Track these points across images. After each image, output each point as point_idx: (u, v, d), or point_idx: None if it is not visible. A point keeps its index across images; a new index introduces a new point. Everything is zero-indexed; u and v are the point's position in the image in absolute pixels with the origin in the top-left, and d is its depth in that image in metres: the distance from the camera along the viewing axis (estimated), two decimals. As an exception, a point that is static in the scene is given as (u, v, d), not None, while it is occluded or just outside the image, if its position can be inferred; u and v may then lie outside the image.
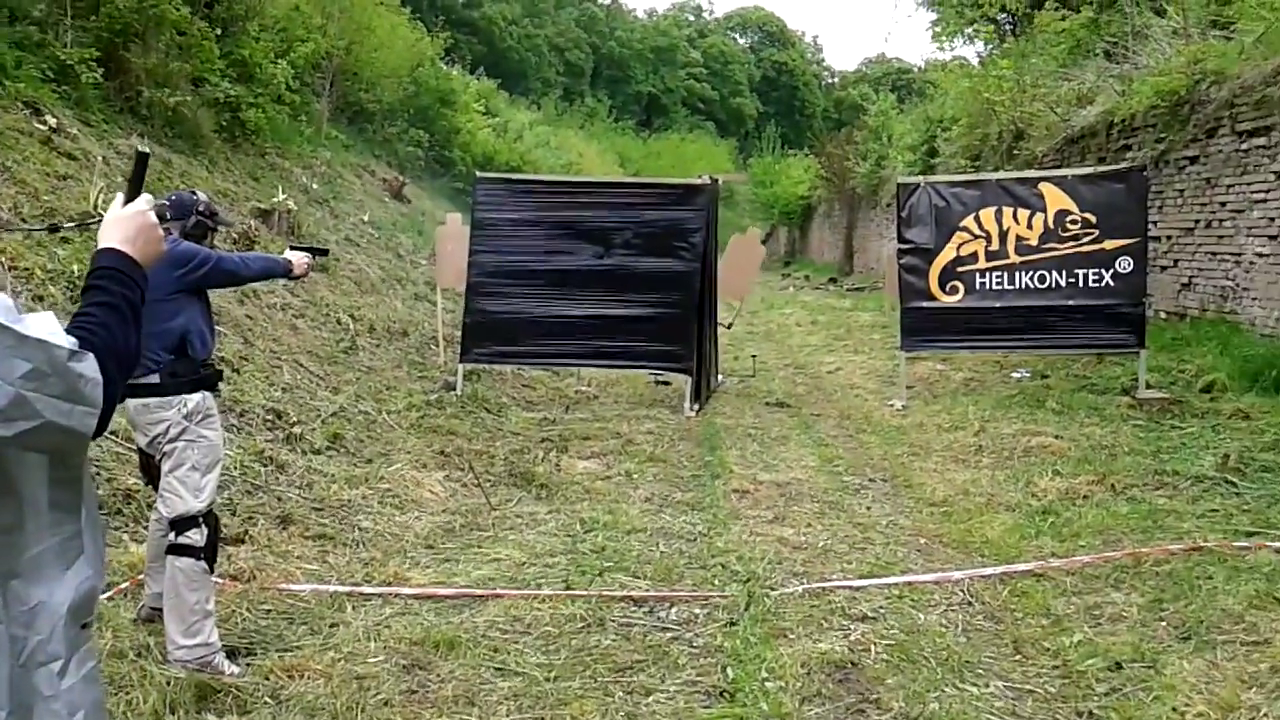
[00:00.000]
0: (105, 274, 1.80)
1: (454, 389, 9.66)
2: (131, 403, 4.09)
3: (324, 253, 5.17)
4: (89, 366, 1.58)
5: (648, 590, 4.98)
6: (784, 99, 73.22)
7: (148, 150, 2.10)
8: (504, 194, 10.61)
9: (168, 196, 4.43)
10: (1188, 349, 10.27)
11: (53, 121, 9.75)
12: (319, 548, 5.50)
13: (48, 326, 1.54)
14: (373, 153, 22.93)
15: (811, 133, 51.84)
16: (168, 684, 3.62)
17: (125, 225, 1.89)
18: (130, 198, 1.95)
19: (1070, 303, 9.69)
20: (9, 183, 8.11)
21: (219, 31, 13.66)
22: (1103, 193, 9.72)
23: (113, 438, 5.75)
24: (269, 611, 4.59)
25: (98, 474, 5.38)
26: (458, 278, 10.67)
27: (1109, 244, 9.57)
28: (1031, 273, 9.83)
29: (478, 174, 11.45)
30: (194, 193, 4.46)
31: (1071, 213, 9.67)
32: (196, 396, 4.14)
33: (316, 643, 4.27)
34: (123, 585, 4.57)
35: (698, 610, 4.74)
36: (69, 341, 1.56)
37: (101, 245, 1.86)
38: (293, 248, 4.79)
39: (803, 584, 5.04)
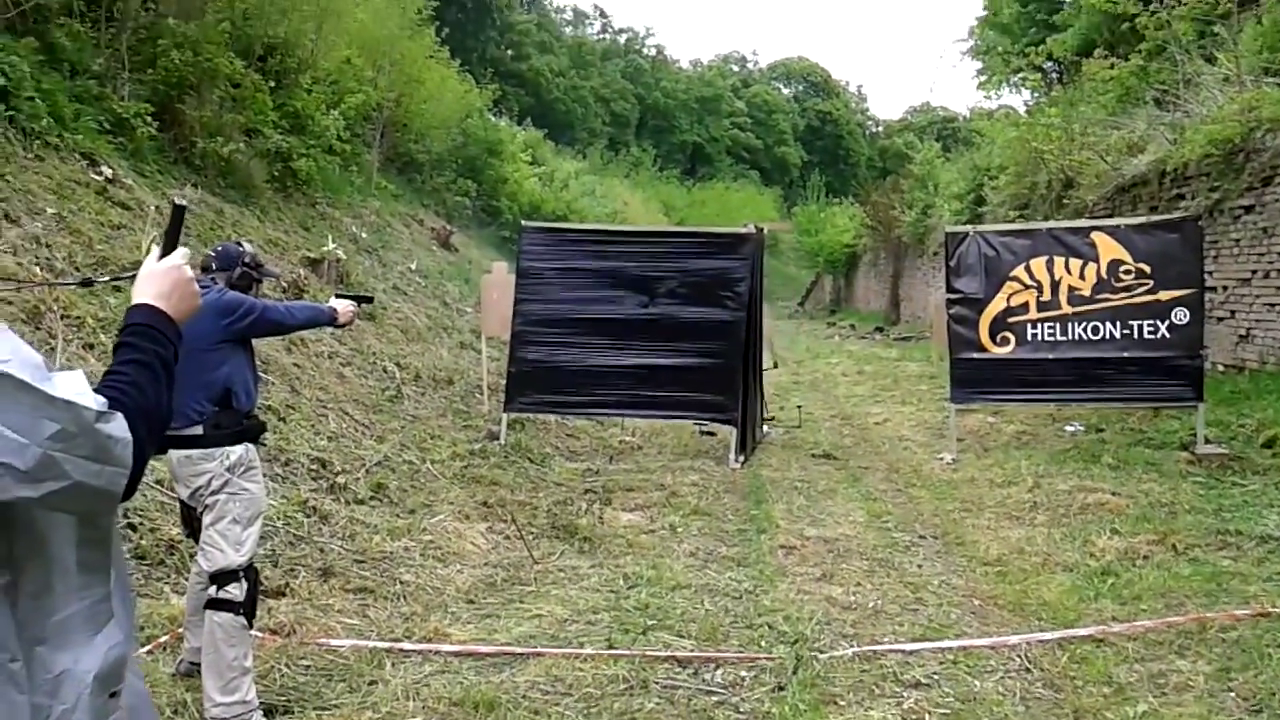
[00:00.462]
0: (138, 330, 1.76)
1: (498, 438, 9.62)
2: (174, 454, 4.07)
3: (369, 300, 5.14)
4: (118, 427, 1.53)
5: (692, 650, 4.86)
6: (828, 148, 73.45)
7: (185, 203, 2.05)
8: (549, 242, 10.63)
9: (214, 248, 4.45)
10: (1247, 403, 9.99)
11: (108, 172, 9.93)
12: (360, 601, 5.44)
13: (76, 386, 1.50)
14: (421, 202, 23.22)
15: (856, 181, 51.90)
16: (204, 743, 3.56)
17: (160, 280, 1.84)
18: (166, 251, 1.90)
19: (1125, 355, 9.47)
20: (64, 232, 8.24)
21: (272, 84, 13.93)
22: (1157, 242, 9.52)
23: (157, 488, 5.75)
24: (308, 667, 4.53)
25: (141, 524, 5.37)
26: (503, 326, 10.68)
27: (1164, 295, 9.35)
28: (1085, 324, 9.63)
29: (523, 223, 11.49)
30: (240, 244, 4.48)
31: (1125, 263, 9.48)
32: (239, 449, 4.11)
33: (355, 701, 4.19)
34: (162, 639, 4.53)
35: (744, 673, 4.60)
36: (97, 402, 1.52)
37: (135, 301, 1.82)
38: (338, 295, 4.79)
39: (853, 646, 4.88)
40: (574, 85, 56.92)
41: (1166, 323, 9.33)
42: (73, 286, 6.81)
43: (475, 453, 9.03)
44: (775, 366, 12.98)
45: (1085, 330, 9.62)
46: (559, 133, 46.97)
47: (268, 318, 4.28)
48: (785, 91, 78.19)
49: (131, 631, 1.71)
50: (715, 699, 4.32)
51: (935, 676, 4.55)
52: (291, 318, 4.49)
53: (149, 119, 11.04)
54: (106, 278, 5.48)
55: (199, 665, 4.01)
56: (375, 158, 20.10)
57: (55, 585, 1.56)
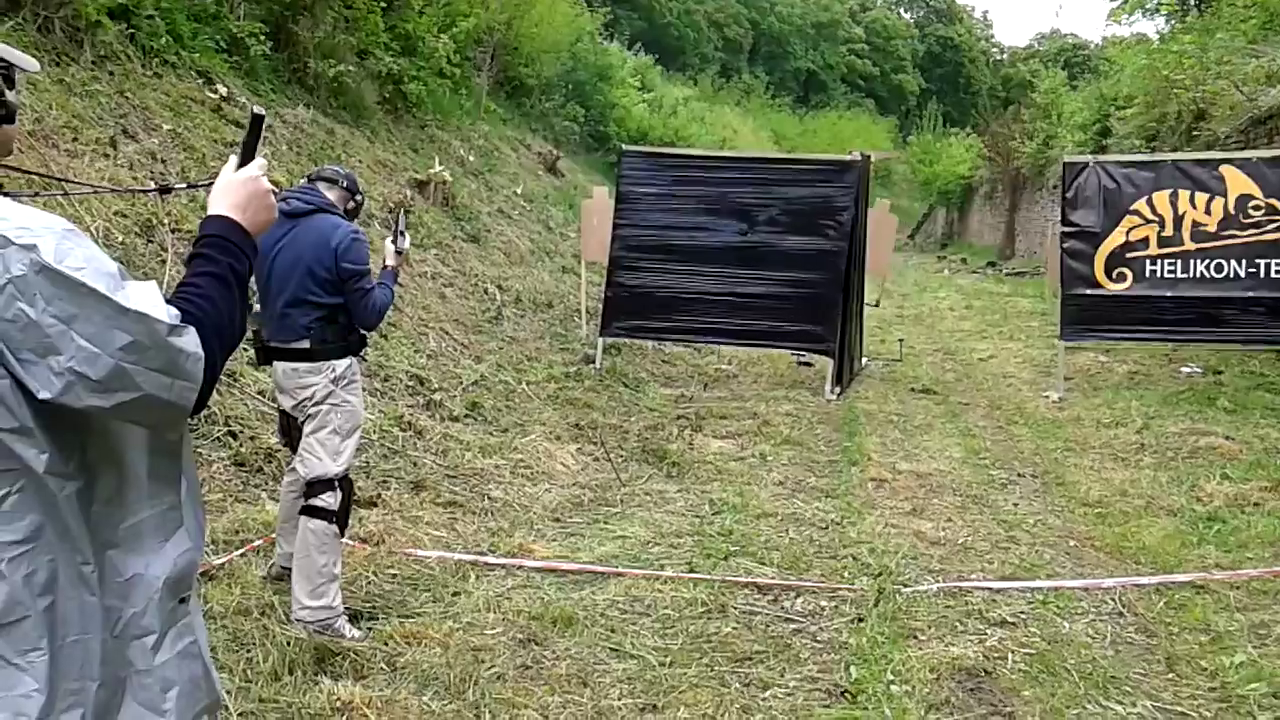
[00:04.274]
0: (212, 242, 1.72)
1: (593, 362, 9.67)
2: (280, 366, 4.17)
3: (402, 233, 4.81)
4: (189, 341, 1.53)
5: (773, 578, 4.84)
6: (949, 76, 70.89)
7: (263, 112, 2.00)
8: (649, 167, 10.52)
9: (343, 169, 4.52)
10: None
11: (223, 90, 10.12)
12: (448, 515, 5.55)
13: (149, 298, 1.49)
14: (529, 127, 23.20)
15: (976, 111, 50.13)
16: (288, 644, 3.68)
17: (236, 191, 1.80)
18: (243, 161, 1.85)
19: (1250, 294, 9.01)
20: (179, 148, 8.45)
21: (384, 6, 13.97)
22: (1291, 177, 8.98)
23: (259, 398, 5.93)
24: (395, 576, 4.64)
25: (241, 432, 5.55)
26: (602, 251, 10.66)
27: (1296, 232, 8.84)
28: (1208, 261, 9.18)
29: (623, 147, 11.39)
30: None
31: (1255, 198, 8.97)
32: (344, 362, 4.19)
33: (437, 611, 4.29)
34: (256, 543, 4.69)
35: (824, 603, 4.57)
36: (170, 314, 1.51)
37: (211, 212, 1.78)
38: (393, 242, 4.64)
39: (938, 582, 4.80)
40: (687, 9, 55.78)
41: (1297, 262, 8.83)
42: (151, 193, 6.93)
43: (570, 376, 9.10)
44: (877, 304, 12.70)
45: (1208, 268, 9.17)
46: (670, 58, 46.25)
47: (365, 299, 4.15)
48: (906, 17, 75.51)
49: (201, 540, 1.74)
50: (793, 627, 4.30)
51: (1022, 616, 4.45)
52: (376, 313, 4.26)
53: (263, 38, 11.21)
54: (183, 185, 5.57)
55: (289, 570, 4.13)
56: (485, 81, 20.10)
57: (127, 492, 1.59)
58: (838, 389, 9.48)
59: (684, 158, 11.65)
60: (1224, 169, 9.26)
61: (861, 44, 67.46)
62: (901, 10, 75.70)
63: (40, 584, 1.48)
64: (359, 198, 4.47)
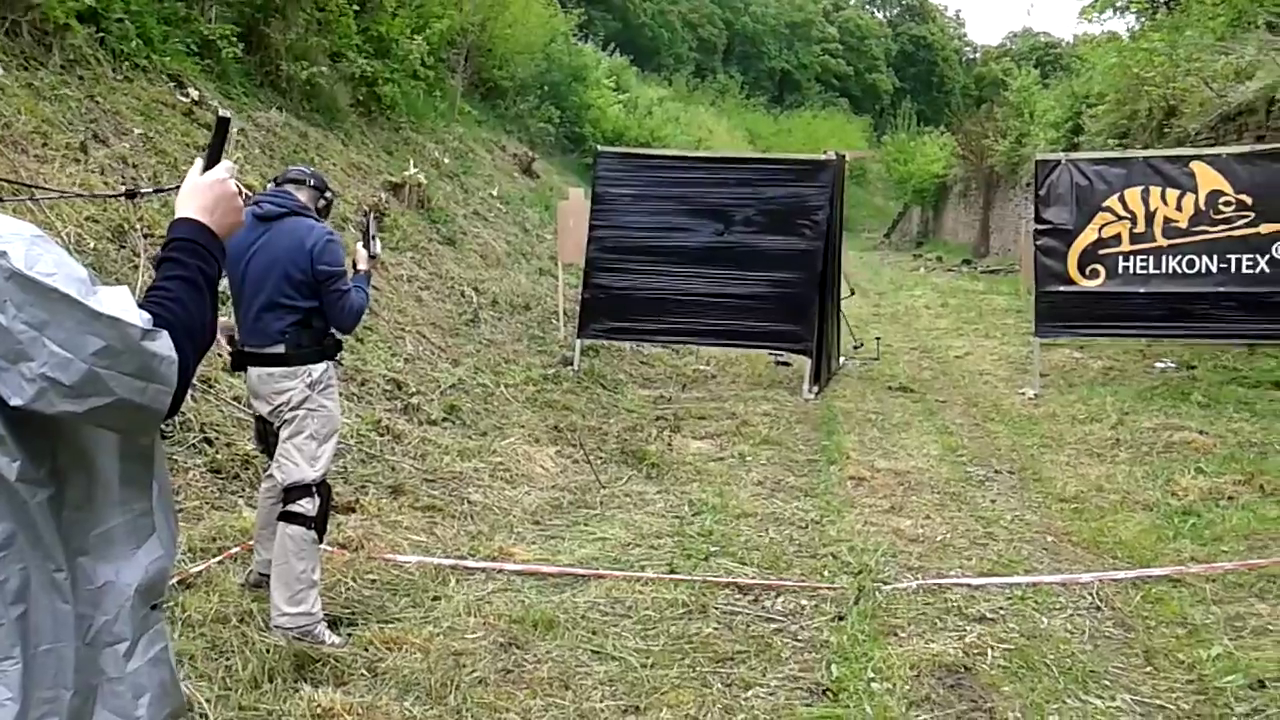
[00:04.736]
0: (181, 246, 1.72)
1: (571, 364, 9.66)
2: (255, 371, 4.13)
3: (374, 237, 4.81)
4: (163, 345, 1.52)
5: (754, 578, 4.85)
6: (922, 75, 71.28)
7: (229, 115, 1.99)
8: (625, 168, 10.53)
9: (308, 168, 4.49)
10: (1351, 342, 9.53)
11: (195, 94, 10.04)
12: (427, 519, 5.53)
13: (121, 302, 1.49)
14: (504, 128, 23.14)
15: (950, 109, 50.34)
16: (267, 651, 3.65)
17: (204, 194, 1.79)
18: (209, 165, 1.84)
19: (1221, 290, 9.10)
20: (150, 152, 8.37)
21: (357, 8, 13.89)
22: (1260, 173, 9.07)
23: (234, 404, 5.89)
24: (374, 581, 4.62)
25: (216, 439, 5.51)
26: (578, 252, 10.66)
27: (1265, 228, 8.93)
28: (1179, 257, 9.26)
29: (598, 148, 11.39)
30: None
31: (1225, 194, 9.06)
32: (321, 366, 4.16)
33: (417, 615, 4.27)
34: (233, 550, 4.65)
35: (805, 602, 4.58)
36: (142, 319, 1.50)
37: (178, 215, 1.77)
38: (364, 244, 4.65)
39: (917, 579, 4.82)
40: (661, 10, 55.81)
41: (1267, 257, 8.93)
42: (119, 198, 6.87)
43: (548, 378, 9.09)
44: (852, 294, 12.78)
45: (1180, 264, 9.25)
46: (645, 59, 46.24)
47: (342, 300, 4.11)
48: (879, 16, 75.84)
49: (173, 546, 1.72)
50: (774, 626, 4.31)
51: (1001, 612, 4.47)
52: (352, 315, 4.24)
53: (234, 41, 11.12)
54: (150, 189, 5.51)
55: (267, 577, 4.10)
56: (459, 83, 20.02)
57: (97, 498, 1.58)
58: (815, 388, 9.52)
59: (659, 158, 11.66)
60: (1194, 165, 9.34)
61: (835, 44, 67.69)
62: (875, 10, 76.01)
63: (12, 592, 1.47)
64: (329, 194, 4.43)
